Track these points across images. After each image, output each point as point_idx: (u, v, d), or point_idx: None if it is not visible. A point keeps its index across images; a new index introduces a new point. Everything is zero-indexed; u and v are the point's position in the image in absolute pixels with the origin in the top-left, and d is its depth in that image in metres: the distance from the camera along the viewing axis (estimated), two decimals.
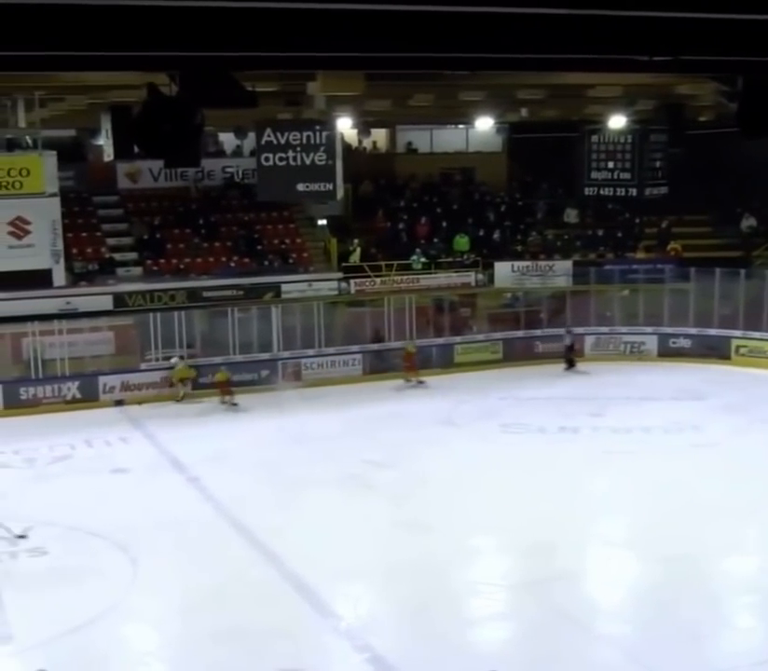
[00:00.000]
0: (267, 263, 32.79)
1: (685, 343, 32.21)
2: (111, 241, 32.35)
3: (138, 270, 31.70)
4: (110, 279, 30.92)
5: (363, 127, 33.04)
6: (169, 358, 28.84)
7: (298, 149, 22.20)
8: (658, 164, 27.79)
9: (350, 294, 32.70)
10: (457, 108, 33.40)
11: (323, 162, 22.51)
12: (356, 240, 34.05)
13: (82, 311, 29.43)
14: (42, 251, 26.46)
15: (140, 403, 28.19)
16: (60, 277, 27.07)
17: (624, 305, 33.92)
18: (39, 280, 26.73)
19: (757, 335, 31.80)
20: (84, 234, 31.96)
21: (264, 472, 22.22)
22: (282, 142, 22.20)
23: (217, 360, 29.71)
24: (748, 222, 36.62)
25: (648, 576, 17.57)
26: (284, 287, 31.84)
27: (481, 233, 36.03)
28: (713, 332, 32.38)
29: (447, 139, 40.79)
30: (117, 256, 31.91)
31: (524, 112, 34.03)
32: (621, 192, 28.36)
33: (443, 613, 15.53)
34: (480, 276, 34.11)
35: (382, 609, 16.28)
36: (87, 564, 17.61)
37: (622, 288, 34.14)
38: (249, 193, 32.18)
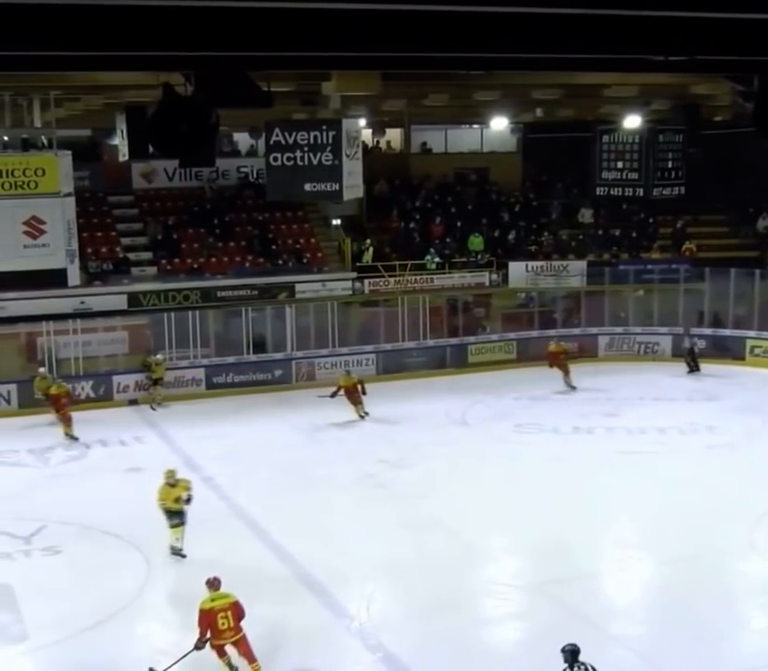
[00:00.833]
0: (281, 263, 32.83)
1: (699, 343, 32.11)
2: (125, 241, 32.44)
3: (152, 270, 31.78)
4: (124, 278, 31.00)
5: (378, 126, 33.10)
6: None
7: (306, 149, 22.22)
8: (671, 164, 27.73)
9: (364, 293, 32.72)
10: (471, 108, 33.44)
11: (330, 162, 22.52)
12: (368, 240, 34.05)
13: (96, 311, 29.52)
14: (57, 250, 26.47)
15: (155, 404, 28.16)
16: (74, 276, 27.08)
17: (638, 305, 33.87)
18: (54, 279, 26.74)
19: None
20: (99, 234, 32.05)
21: (278, 471, 22.25)
22: (290, 141, 22.22)
23: (230, 360, 29.79)
24: (765, 222, 36.51)
25: (662, 577, 17.54)
26: (298, 287, 31.86)
27: (495, 233, 36.01)
28: (727, 332, 32.33)
29: (462, 139, 40.81)
30: (132, 256, 32.00)
31: (539, 112, 34.06)
32: (629, 192, 28.36)
33: (456, 613, 15.51)
34: (494, 276, 34.10)
35: (395, 608, 16.27)
36: (101, 563, 17.64)
37: (636, 288, 34.09)
38: (263, 193, 32.13)
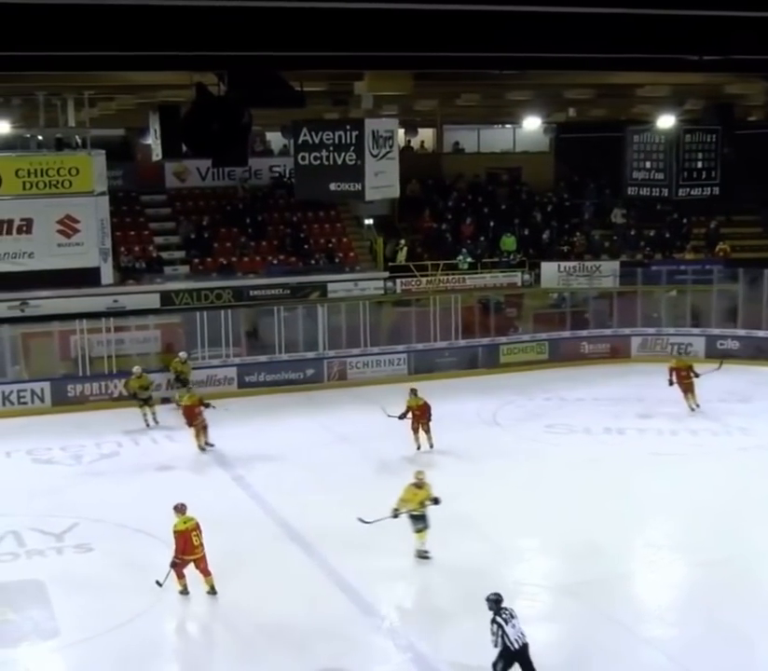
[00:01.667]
0: (313, 262, 32.88)
1: (733, 344, 31.92)
2: (158, 240, 32.58)
3: (185, 269, 31.91)
4: (157, 277, 31.14)
5: (410, 126, 33.04)
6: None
7: (331, 149, 22.29)
8: (701, 164, 27.55)
9: (396, 293, 32.72)
10: (504, 108, 33.35)
11: (353, 162, 22.57)
12: (402, 240, 34.05)
13: (129, 309, 29.66)
14: (90, 249, 26.63)
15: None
16: (107, 275, 27.24)
17: (671, 306, 33.72)
18: (87, 278, 26.91)
19: None
20: (132, 233, 32.21)
21: (308, 470, 22.27)
22: (317, 141, 22.30)
23: (262, 359, 29.88)
24: None
25: (693, 579, 17.46)
26: (330, 286, 31.91)
27: (526, 233, 35.93)
28: (762, 334, 32.11)
29: (494, 138, 40.72)
30: (165, 255, 32.14)
31: (571, 111, 33.91)
32: (656, 192, 28.20)
33: (484, 614, 15.47)
34: (526, 276, 34.04)
35: (425, 608, 16.27)
36: (132, 560, 17.72)
37: (669, 289, 33.93)
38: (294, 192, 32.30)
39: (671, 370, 27.05)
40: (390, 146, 24.96)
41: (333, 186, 22.65)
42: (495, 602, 13.30)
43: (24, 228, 26.05)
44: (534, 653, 13.08)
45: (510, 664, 13.03)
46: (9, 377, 28.39)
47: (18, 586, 17.01)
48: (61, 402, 27.91)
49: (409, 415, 23.66)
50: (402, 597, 16.70)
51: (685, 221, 36.83)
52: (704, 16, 7.99)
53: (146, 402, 26.31)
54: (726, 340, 31.95)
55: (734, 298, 32.87)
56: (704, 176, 27.32)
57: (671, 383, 26.84)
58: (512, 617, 13.19)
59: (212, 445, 24.26)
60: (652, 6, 7.65)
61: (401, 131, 33.25)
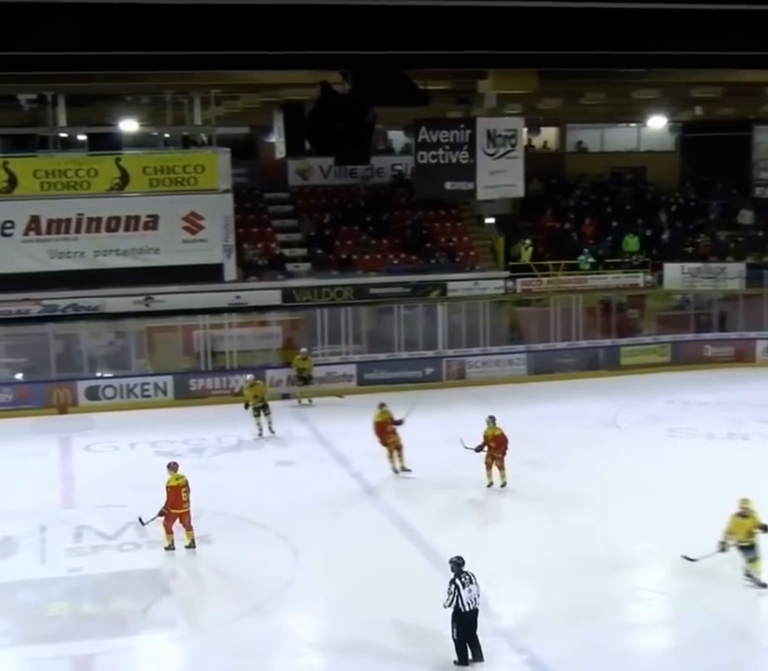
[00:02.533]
0: (433, 261, 32.89)
1: None
2: (281, 237, 32.91)
3: (306, 266, 32.17)
4: (279, 274, 31.45)
5: (532, 125, 32.83)
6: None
7: (447, 147, 22.28)
8: None
9: (517, 293, 32.56)
10: (629, 106, 32.94)
11: (466, 161, 22.50)
12: (528, 240, 33.83)
13: (251, 305, 30.03)
14: (214, 246, 27.08)
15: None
16: (231, 271, 27.67)
17: None
18: (211, 274, 27.37)
19: None
20: (255, 230, 32.59)
21: (425, 469, 22.22)
22: (434, 140, 22.31)
23: (382, 356, 29.99)
24: None
25: None
26: (450, 285, 31.88)
27: (648, 233, 35.43)
28: None
29: (618, 138, 40.23)
30: (287, 252, 32.45)
31: (698, 110, 33.34)
32: None
33: (601, 618, 15.34)
34: (649, 277, 33.57)
35: (541, 610, 16.13)
36: (250, 553, 17.94)
37: None
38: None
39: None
40: (513, 145, 24.81)
41: (448, 185, 22.69)
42: (457, 565, 14.12)
43: (150, 225, 26.61)
44: (652, 660, 12.87)
45: (463, 628, 13.96)
46: (134, 371, 28.99)
47: (137, 575, 17.36)
48: (184, 395, 28.40)
49: (486, 447, 21.26)
50: (518, 599, 16.59)
51: None
52: None
53: (262, 410, 25.41)
54: None
55: None
56: None
57: None
58: (470, 582, 14.01)
59: (408, 470, 22.08)
60: None
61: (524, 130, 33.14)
